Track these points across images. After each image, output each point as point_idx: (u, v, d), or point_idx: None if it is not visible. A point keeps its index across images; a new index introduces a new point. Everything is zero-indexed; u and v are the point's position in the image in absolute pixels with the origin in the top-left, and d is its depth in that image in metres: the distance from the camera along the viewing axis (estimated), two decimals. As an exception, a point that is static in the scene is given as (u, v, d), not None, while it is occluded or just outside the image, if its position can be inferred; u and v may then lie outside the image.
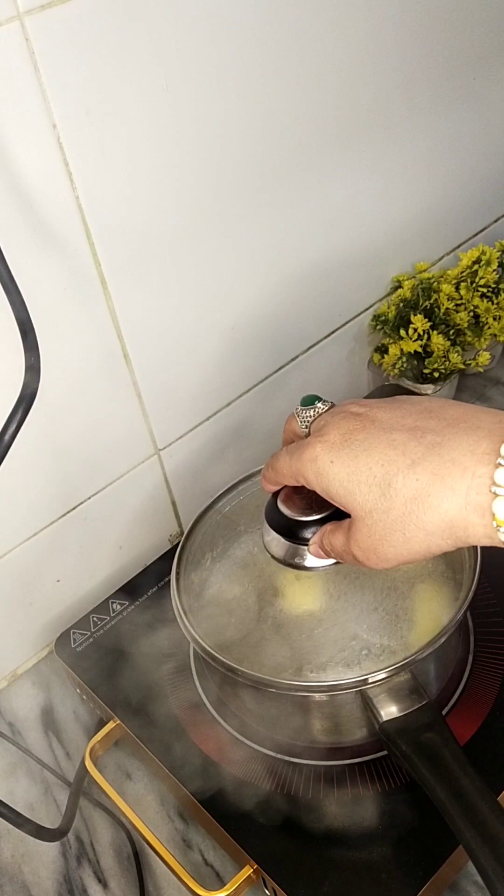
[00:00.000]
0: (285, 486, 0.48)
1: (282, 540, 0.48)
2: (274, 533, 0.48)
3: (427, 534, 0.38)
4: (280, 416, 0.49)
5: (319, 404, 0.45)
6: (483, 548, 0.54)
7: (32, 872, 0.57)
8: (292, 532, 0.47)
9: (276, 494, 0.48)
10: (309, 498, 0.47)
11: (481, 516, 0.36)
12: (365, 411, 0.42)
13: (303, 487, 0.46)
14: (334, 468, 0.40)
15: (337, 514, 0.45)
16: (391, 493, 0.38)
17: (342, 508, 0.42)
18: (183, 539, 0.58)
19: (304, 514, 0.46)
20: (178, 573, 0.56)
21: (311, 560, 0.47)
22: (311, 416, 0.45)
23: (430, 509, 0.37)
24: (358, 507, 0.40)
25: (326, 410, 0.45)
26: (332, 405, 0.45)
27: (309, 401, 0.46)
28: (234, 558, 0.63)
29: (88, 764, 0.58)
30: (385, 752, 0.52)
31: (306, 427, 0.45)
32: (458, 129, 0.77)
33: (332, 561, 0.46)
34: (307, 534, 0.46)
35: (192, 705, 0.57)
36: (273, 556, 0.48)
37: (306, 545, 0.47)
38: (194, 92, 0.54)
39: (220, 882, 0.52)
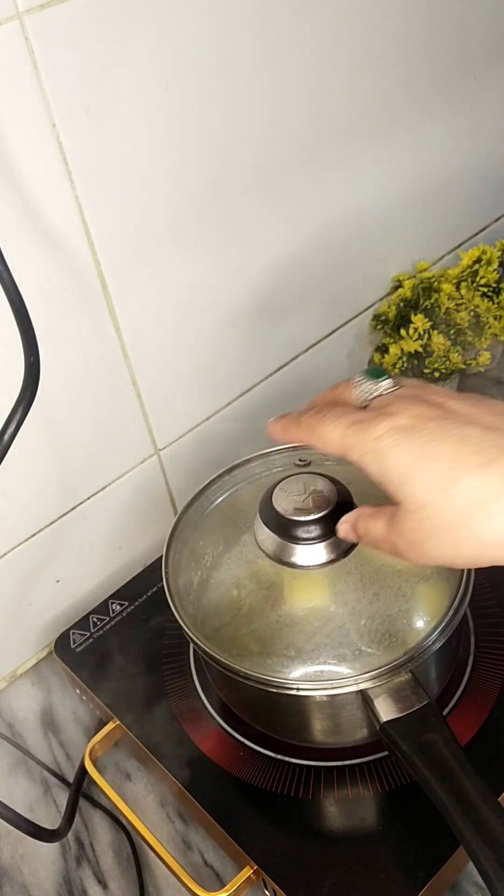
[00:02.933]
0: (282, 481, 0.47)
1: (276, 537, 0.47)
2: (268, 530, 0.47)
3: (481, 542, 0.36)
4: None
5: (385, 383, 0.40)
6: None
7: (32, 873, 0.57)
8: (288, 530, 0.46)
9: (271, 491, 0.47)
10: (309, 496, 0.46)
11: None
12: (442, 401, 0.39)
13: (301, 482, 0.45)
14: (397, 452, 0.37)
15: (333, 514, 0.45)
16: (453, 492, 0.36)
17: (391, 495, 0.38)
18: (168, 537, 0.58)
19: (302, 513, 0.46)
20: (167, 573, 0.55)
21: (303, 558, 0.46)
22: (373, 392, 0.41)
23: (493, 516, 0.35)
24: (413, 497, 0.37)
25: (393, 391, 0.40)
26: (400, 387, 0.41)
27: (376, 373, 0.41)
28: (235, 556, 0.63)
29: (88, 765, 0.58)
30: (385, 753, 0.52)
31: (365, 401, 0.41)
32: (458, 128, 0.77)
33: (323, 560, 0.46)
34: (302, 533, 0.46)
35: (192, 705, 0.57)
36: (266, 554, 0.48)
37: (300, 544, 0.46)
38: (195, 91, 0.54)
39: (220, 883, 0.52)
